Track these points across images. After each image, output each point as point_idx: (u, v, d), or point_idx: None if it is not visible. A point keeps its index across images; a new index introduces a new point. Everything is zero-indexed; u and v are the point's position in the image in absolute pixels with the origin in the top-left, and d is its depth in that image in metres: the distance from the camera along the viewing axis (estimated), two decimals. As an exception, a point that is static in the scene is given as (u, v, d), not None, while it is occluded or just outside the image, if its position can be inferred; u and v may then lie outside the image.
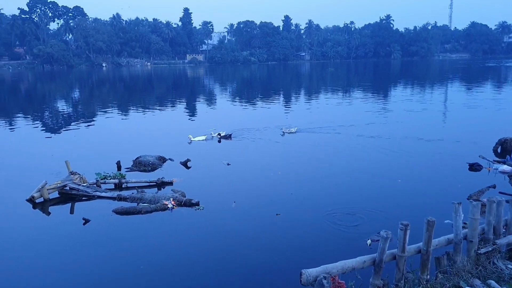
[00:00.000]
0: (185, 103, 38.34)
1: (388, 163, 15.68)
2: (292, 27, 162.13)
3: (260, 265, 8.31)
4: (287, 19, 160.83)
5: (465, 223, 6.82)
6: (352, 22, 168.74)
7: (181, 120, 27.62)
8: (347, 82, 59.91)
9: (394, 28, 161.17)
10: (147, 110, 33.07)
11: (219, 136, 20.20)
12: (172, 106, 35.41)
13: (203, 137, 20.03)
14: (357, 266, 5.59)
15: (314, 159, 16.43)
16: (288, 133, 21.01)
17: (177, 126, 23.93)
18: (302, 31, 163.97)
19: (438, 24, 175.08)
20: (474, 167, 14.41)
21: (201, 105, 36.53)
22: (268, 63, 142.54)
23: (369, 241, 8.85)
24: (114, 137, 20.53)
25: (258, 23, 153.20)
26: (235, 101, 38.69)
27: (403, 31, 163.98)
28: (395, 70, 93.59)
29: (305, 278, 5.07)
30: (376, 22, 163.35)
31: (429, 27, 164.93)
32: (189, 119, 28.45)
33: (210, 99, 41.07)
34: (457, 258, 6.40)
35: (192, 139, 19.78)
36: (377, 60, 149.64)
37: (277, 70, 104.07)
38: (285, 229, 9.93)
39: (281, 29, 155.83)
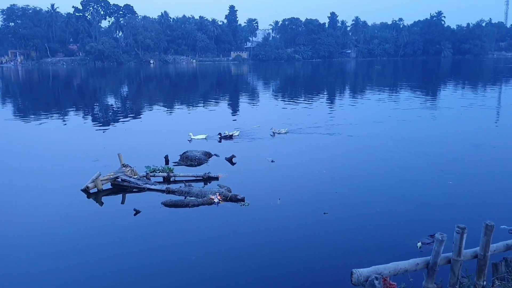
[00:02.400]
0: (227, 100, 38.79)
1: (436, 164, 15.13)
2: (338, 24, 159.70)
3: (307, 262, 8.28)
4: (333, 16, 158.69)
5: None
6: (400, 19, 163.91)
7: (224, 116, 27.90)
8: (393, 81, 58.35)
9: (446, 25, 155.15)
10: (192, 106, 33.71)
11: (220, 136, 19.84)
12: (215, 103, 35.90)
13: (204, 136, 19.90)
14: (409, 268, 5.45)
15: (358, 158, 16.13)
16: (278, 133, 20.52)
17: (221, 122, 24.17)
18: (348, 28, 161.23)
19: (493, 21, 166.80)
20: (533, 171, 13.67)
21: (243, 102, 36.77)
22: (312, 60, 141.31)
23: (419, 244, 8.60)
24: (161, 131, 21.11)
25: (303, 20, 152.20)
26: (277, 99, 38.62)
27: (455, 28, 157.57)
28: (445, 68, 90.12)
29: (356, 278, 5.01)
30: (426, 18, 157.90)
31: (483, 24, 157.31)
32: (232, 116, 28.69)
33: (252, 97, 41.26)
34: (517, 265, 6.11)
35: (192, 137, 19.71)
36: (426, 58, 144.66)
37: (321, 67, 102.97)
38: (332, 227, 9.85)
39: (326, 26, 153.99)
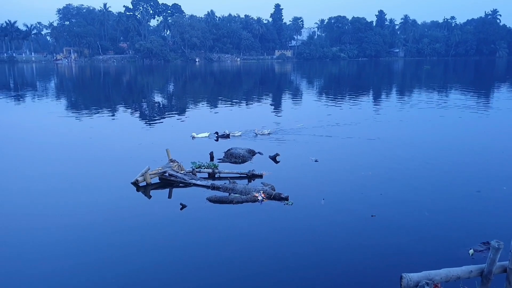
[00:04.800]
0: (269, 99, 38.86)
1: (489, 168, 14.46)
2: (386, 23, 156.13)
3: (354, 264, 8.18)
4: (381, 14, 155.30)
5: None
6: (453, 17, 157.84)
7: (267, 114, 27.95)
8: (444, 82, 56.22)
9: (501, 24, 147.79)
10: (235, 103, 34.05)
11: (216, 135, 19.78)
12: (257, 101, 36.08)
13: (206, 134, 19.90)
14: (462, 275, 5.26)
15: (405, 161, 15.64)
16: (261, 134, 20.11)
17: (265, 120, 24.25)
18: (397, 27, 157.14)
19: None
20: None
21: (286, 101, 36.70)
22: (358, 59, 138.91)
23: (471, 251, 8.28)
24: (206, 128, 21.35)
25: (350, 18, 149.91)
26: (319, 98, 38.24)
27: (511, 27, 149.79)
28: (500, 69, 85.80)
29: (406, 283, 4.90)
30: (481, 17, 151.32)
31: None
32: (275, 114, 28.64)
33: (293, 96, 41.08)
34: None
35: (195, 136, 19.73)
36: (480, 58, 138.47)
37: (367, 67, 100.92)
38: (379, 230, 9.65)
39: (374, 24, 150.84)
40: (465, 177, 13.57)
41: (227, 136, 19.83)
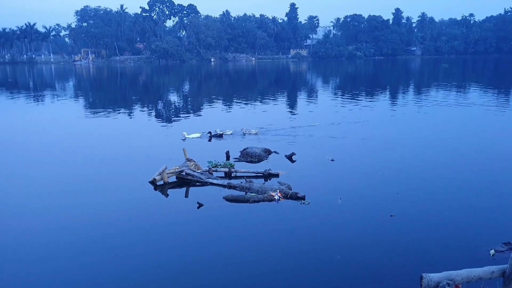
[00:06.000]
0: (284, 98, 38.74)
1: (509, 168, 14.19)
2: (403, 21, 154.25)
3: (372, 264, 8.11)
4: (397, 12, 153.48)
5: None
6: (471, 15, 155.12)
7: (282, 113, 27.90)
8: (462, 80, 55.27)
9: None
10: (250, 103, 34.06)
11: (210, 135, 19.73)
12: (272, 100, 36.00)
13: (198, 134, 19.81)
14: (484, 276, 5.16)
15: (423, 160, 15.42)
16: (249, 134, 20.01)
17: (280, 119, 24.23)
18: (414, 25, 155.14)
19: None
20: None
21: (301, 100, 36.58)
22: (374, 58, 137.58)
23: (492, 251, 8.14)
24: (221, 127, 21.45)
25: (366, 16, 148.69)
26: (335, 98, 37.98)
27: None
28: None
29: (426, 283, 4.84)
30: (500, 14, 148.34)
31: None
32: (290, 113, 28.58)
33: (308, 95, 40.85)
34: None
35: (186, 136, 19.62)
36: (499, 56, 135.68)
37: (384, 65, 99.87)
38: (397, 229, 9.56)
39: (390, 22, 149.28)
40: (485, 176, 13.33)
41: (220, 136, 19.87)
